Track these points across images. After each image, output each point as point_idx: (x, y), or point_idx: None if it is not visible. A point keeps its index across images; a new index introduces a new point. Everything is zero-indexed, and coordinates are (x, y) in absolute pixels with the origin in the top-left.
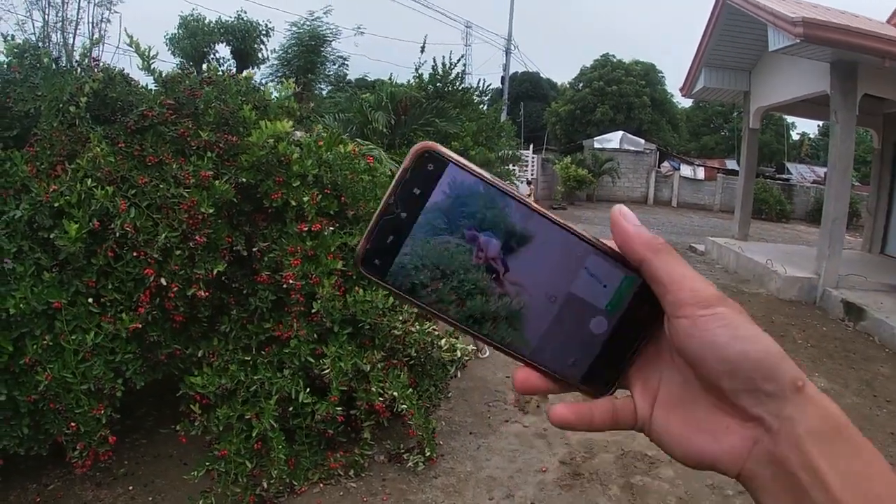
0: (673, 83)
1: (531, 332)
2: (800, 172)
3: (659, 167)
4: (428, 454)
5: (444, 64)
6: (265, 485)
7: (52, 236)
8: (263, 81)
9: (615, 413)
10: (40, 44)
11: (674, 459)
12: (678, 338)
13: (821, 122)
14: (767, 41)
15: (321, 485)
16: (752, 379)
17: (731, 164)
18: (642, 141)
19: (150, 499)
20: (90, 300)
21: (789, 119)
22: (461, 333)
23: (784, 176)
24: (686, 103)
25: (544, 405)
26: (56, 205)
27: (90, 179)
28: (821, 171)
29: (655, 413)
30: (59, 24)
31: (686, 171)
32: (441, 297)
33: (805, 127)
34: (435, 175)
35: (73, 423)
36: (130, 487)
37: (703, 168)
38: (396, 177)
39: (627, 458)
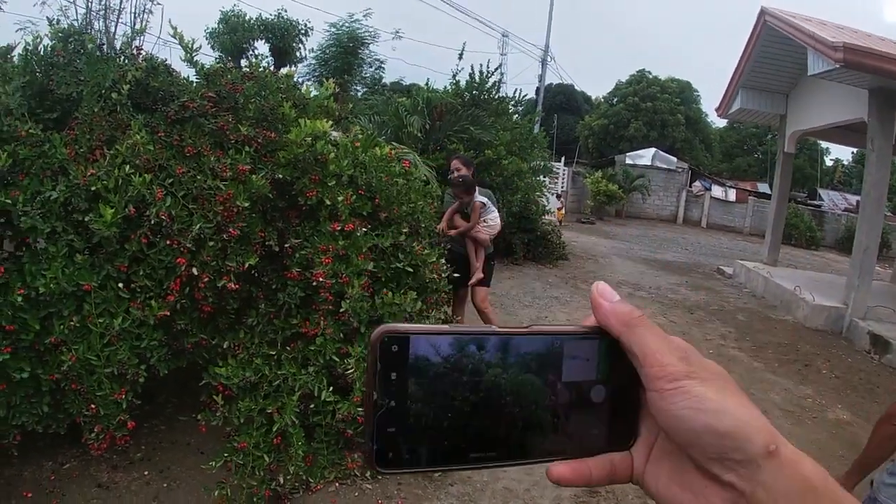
0: (708, 102)
1: (554, 434)
2: (832, 199)
3: (690, 186)
4: None
5: (481, 72)
6: (281, 480)
7: (86, 219)
8: (300, 80)
9: (613, 468)
10: (83, 30)
11: None
12: (651, 409)
13: (855, 149)
14: (806, 65)
15: (337, 484)
16: (717, 450)
17: (763, 187)
18: (674, 159)
19: (165, 485)
20: (120, 285)
21: (823, 144)
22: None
23: (816, 202)
24: (720, 123)
25: None
26: (93, 189)
27: (128, 166)
28: (853, 198)
29: (649, 467)
30: (101, 12)
31: (717, 191)
32: (468, 451)
33: (839, 153)
34: (402, 354)
35: (92, 406)
36: (146, 472)
37: (734, 190)
38: (368, 374)
39: None
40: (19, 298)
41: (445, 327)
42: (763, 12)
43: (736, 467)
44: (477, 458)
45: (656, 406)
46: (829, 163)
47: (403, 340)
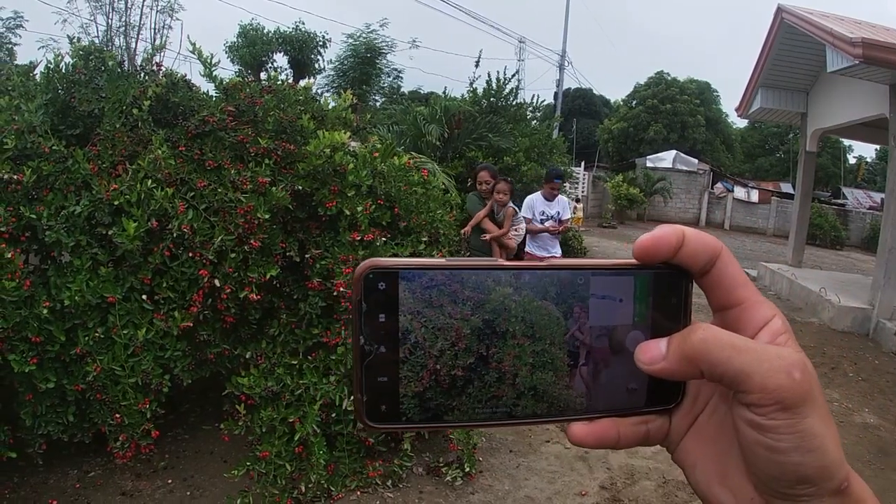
0: (728, 102)
1: (576, 388)
2: (856, 198)
3: (712, 188)
4: (467, 469)
5: (498, 79)
6: (303, 488)
7: (110, 233)
8: (319, 91)
9: (647, 433)
10: (104, 47)
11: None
12: (735, 418)
13: (878, 146)
14: (825, 62)
15: (358, 493)
16: (792, 485)
17: (785, 187)
18: (695, 161)
19: (188, 493)
20: (144, 297)
21: (846, 142)
22: (509, 429)
23: (840, 201)
24: (741, 123)
25: None
26: (116, 203)
27: (150, 180)
28: (878, 196)
29: (688, 439)
30: (121, 29)
31: (740, 193)
32: (473, 403)
33: (862, 150)
34: (391, 292)
35: (117, 415)
36: (170, 481)
37: (757, 190)
38: (353, 314)
39: (669, 487)
40: (45, 311)
41: (441, 261)
42: (780, 10)
43: (799, 500)
44: (485, 414)
45: (745, 427)
46: (852, 160)
47: (392, 277)
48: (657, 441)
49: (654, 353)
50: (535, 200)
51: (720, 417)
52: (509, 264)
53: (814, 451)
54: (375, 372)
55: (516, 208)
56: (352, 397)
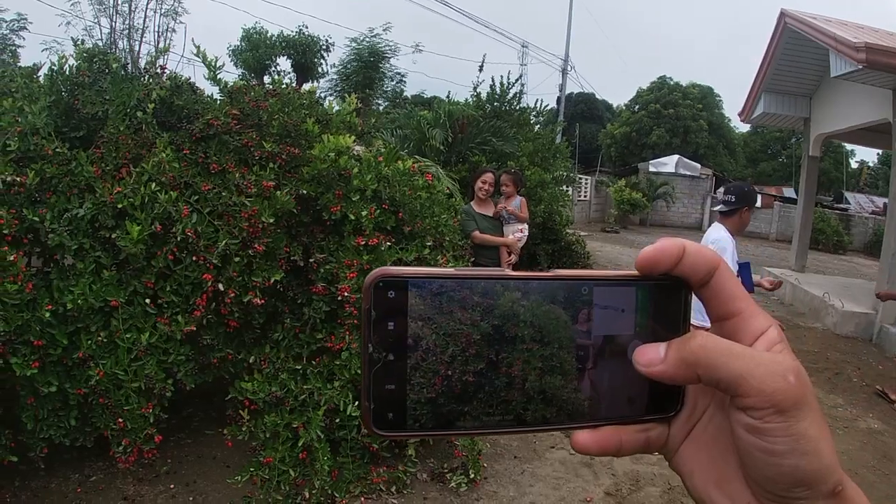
0: (731, 107)
1: (580, 396)
2: (858, 202)
3: (715, 193)
4: (472, 476)
5: (501, 83)
6: (307, 494)
7: (113, 236)
8: (322, 95)
9: (648, 440)
10: (108, 50)
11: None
12: (732, 423)
13: (881, 150)
14: (828, 66)
15: (362, 499)
16: (787, 488)
17: (788, 191)
18: (698, 166)
19: (191, 499)
20: (147, 301)
21: (848, 146)
22: (515, 436)
23: (842, 205)
24: (743, 128)
25: None
26: (119, 206)
27: (154, 183)
28: (880, 201)
29: (686, 446)
30: (125, 32)
31: None
32: (480, 411)
33: (864, 155)
34: (400, 300)
35: (120, 420)
36: (172, 486)
37: (759, 195)
38: (363, 323)
39: (674, 493)
40: (47, 314)
41: (450, 270)
42: (783, 14)
43: (794, 503)
44: (491, 421)
45: (742, 431)
46: (854, 165)
47: (401, 285)
48: (656, 448)
49: (651, 356)
50: (727, 240)
51: (717, 425)
52: (516, 275)
53: (808, 453)
54: (383, 380)
55: (523, 199)
56: (356, 402)
